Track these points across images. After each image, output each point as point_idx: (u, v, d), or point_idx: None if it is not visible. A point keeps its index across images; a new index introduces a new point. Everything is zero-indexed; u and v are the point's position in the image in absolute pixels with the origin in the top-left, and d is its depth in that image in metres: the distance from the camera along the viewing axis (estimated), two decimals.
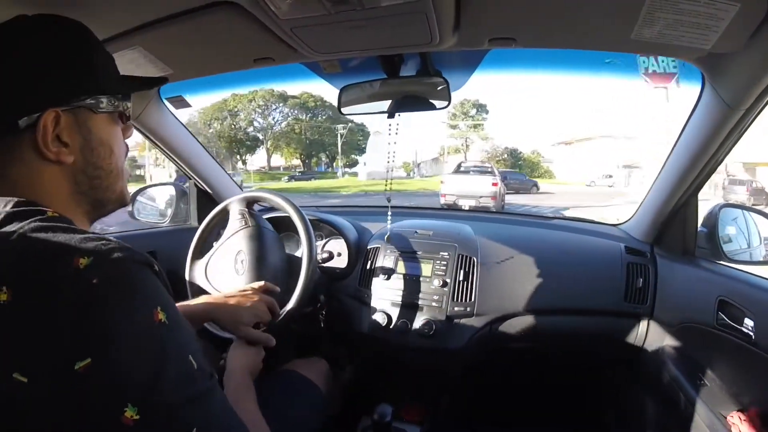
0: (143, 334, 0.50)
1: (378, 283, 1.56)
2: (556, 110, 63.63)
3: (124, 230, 1.85)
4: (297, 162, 40.67)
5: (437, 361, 1.53)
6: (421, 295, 1.49)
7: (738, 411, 1.08)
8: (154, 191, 2.00)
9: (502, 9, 0.91)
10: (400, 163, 38.26)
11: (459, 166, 17.45)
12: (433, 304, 1.47)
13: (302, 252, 1.31)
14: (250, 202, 1.43)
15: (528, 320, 1.52)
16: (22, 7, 0.70)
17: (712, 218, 1.37)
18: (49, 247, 0.51)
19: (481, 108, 38.37)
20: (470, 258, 1.52)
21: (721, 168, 1.32)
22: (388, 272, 1.55)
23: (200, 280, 1.39)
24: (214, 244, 1.43)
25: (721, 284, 1.21)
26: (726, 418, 1.09)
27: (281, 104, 37.00)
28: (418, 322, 1.45)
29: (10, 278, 0.48)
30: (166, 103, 1.60)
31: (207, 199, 1.90)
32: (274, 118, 37.62)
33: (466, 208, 12.91)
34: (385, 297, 1.53)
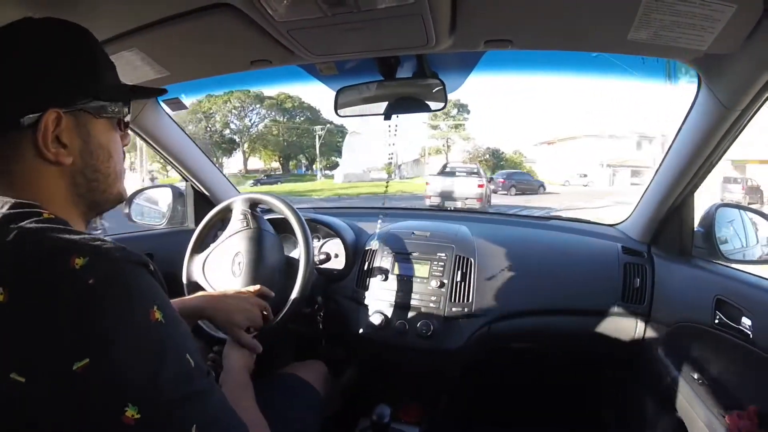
0: (141, 334, 0.50)
1: (375, 285, 1.55)
2: (538, 110, 63.71)
3: (120, 232, 1.84)
4: (276, 164, 39.62)
5: (435, 362, 1.53)
6: (418, 296, 1.49)
7: (736, 410, 1.08)
8: (151, 193, 1.99)
9: (498, 11, 0.91)
10: (381, 165, 37.90)
11: (444, 167, 17.04)
12: (431, 304, 1.47)
13: (299, 254, 1.31)
14: (253, 204, 1.43)
15: (525, 321, 1.52)
16: (22, 7, 0.70)
17: (709, 218, 1.37)
18: (46, 247, 0.51)
19: (462, 108, 37.79)
20: (467, 259, 1.53)
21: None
22: (386, 273, 1.55)
23: (197, 276, 1.38)
24: (214, 241, 1.43)
25: (718, 283, 1.21)
26: (724, 417, 1.09)
27: (258, 105, 35.71)
28: (416, 323, 1.45)
29: (7, 279, 0.48)
30: (163, 105, 1.60)
31: (204, 202, 1.90)
32: (250, 120, 36.42)
33: (450, 209, 12.90)
34: (382, 298, 1.53)
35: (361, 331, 1.54)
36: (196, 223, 1.59)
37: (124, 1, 0.91)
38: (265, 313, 1.11)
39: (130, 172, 28.28)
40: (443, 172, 16.00)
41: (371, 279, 1.57)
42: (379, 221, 1.68)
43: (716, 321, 1.16)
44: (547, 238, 1.73)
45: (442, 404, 1.75)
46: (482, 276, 1.52)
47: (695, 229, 1.41)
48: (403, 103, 1.37)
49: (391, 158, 1.78)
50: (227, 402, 0.59)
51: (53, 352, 0.46)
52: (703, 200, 1.41)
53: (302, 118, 37.04)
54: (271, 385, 1.18)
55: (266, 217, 1.61)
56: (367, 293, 1.56)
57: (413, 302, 1.49)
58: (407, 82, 1.34)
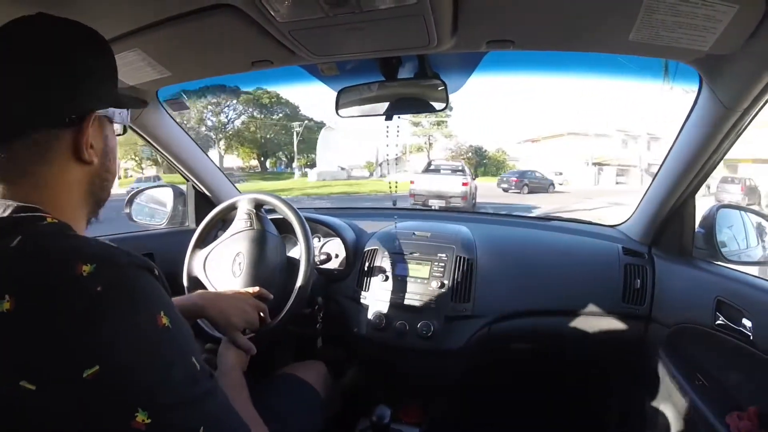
0: (149, 340, 0.51)
1: (376, 285, 1.55)
2: (522, 108, 63.25)
3: (121, 232, 1.84)
4: (255, 162, 38.45)
5: (436, 363, 1.53)
6: (419, 297, 1.49)
7: (736, 411, 1.08)
8: (151, 193, 1.99)
9: (499, 11, 0.91)
10: (363, 163, 36.88)
11: (429, 164, 16.85)
12: (432, 305, 1.47)
13: (300, 255, 1.31)
14: (259, 204, 1.43)
15: (526, 321, 1.52)
16: (22, 7, 0.70)
17: (710, 219, 1.37)
18: (51, 254, 0.51)
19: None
20: (468, 259, 1.52)
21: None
22: (386, 274, 1.55)
23: (198, 271, 1.39)
24: (215, 239, 1.43)
25: (718, 285, 1.21)
26: (724, 418, 1.09)
27: (234, 101, 34.04)
28: (416, 324, 1.45)
29: (13, 286, 0.48)
30: (164, 105, 1.60)
31: (205, 202, 1.90)
32: (227, 116, 34.78)
33: (436, 208, 12.81)
34: (383, 298, 1.52)
35: (361, 331, 1.53)
36: (197, 223, 1.59)
37: (125, 2, 0.91)
38: (262, 315, 1.12)
39: None
40: (428, 170, 15.82)
41: (372, 279, 1.57)
42: (395, 221, 1.68)
43: (717, 322, 1.16)
44: (548, 239, 1.73)
45: (443, 405, 1.75)
46: (483, 276, 1.52)
47: (696, 230, 1.41)
48: (404, 104, 1.37)
49: (389, 158, 1.78)
50: (228, 402, 0.59)
51: (63, 359, 0.46)
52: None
53: (281, 115, 35.73)
54: (271, 385, 1.18)
55: (270, 216, 1.61)
56: (367, 294, 1.56)
57: (414, 303, 1.49)
58: (409, 82, 1.34)
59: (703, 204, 1.42)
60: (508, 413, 1.92)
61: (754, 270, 1.23)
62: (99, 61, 0.64)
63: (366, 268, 1.60)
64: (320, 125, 35.59)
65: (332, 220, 1.74)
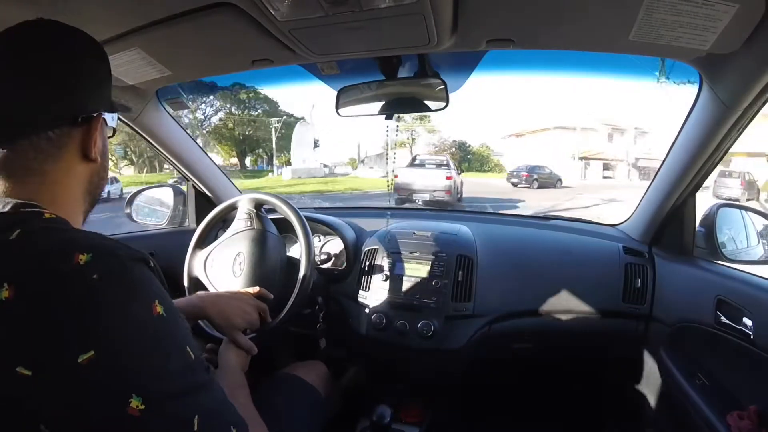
0: (143, 327, 0.52)
1: (376, 284, 1.55)
2: (507, 102, 62.84)
3: (122, 232, 1.84)
4: (236, 160, 36.45)
5: (436, 362, 1.53)
6: (419, 296, 1.49)
7: (737, 410, 1.08)
8: (152, 193, 1.99)
9: (499, 10, 0.91)
10: (347, 159, 36.33)
11: (414, 158, 16.78)
12: (432, 304, 1.47)
13: (300, 255, 1.31)
14: (259, 204, 1.43)
15: (526, 321, 1.52)
16: (22, 7, 0.70)
17: (710, 218, 1.37)
18: (50, 244, 0.52)
19: None
20: (469, 258, 1.52)
21: None
22: (387, 273, 1.55)
23: (198, 271, 1.39)
24: (215, 240, 1.43)
25: (719, 284, 1.21)
26: (725, 417, 1.09)
27: (210, 96, 31.44)
28: (417, 323, 1.44)
29: (12, 275, 0.49)
30: (165, 105, 1.60)
31: (205, 201, 1.90)
32: (203, 113, 32.87)
33: (420, 203, 12.56)
34: (383, 298, 1.52)
35: (361, 331, 1.53)
36: (197, 223, 1.59)
37: (125, 1, 0.91)
38: (262, 315, 1.12)
39: None
40: (413, 164, 15.75)
41: (372, 279, 1.57)
42: (388, 220, 1.68)
43: (717, 321, 1.16)
44: (549, 238, 1.73)
45: (443, 405, 1.75)
46: (483, 276, 1.52)
47: (696, 229, 1.41)
48: (404, 103, 1.37)
49: (388, 158, 1.78)
50: (225, 396, 0.60)
51: (59, 345, 0.47)
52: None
53: (260, 111, 34.19)
54: (272, 385, 1.18)
55: (270, 216, 1.61)
56: (367, 293, 1.56)
57: (414, 302, 1.48)
58: (409, 81, 1.34)
59: (699, 198, 1.42)
60: (508, 412, 1.92)
61: (754, 269, 1.23)
62: (103, 65, 0.67)
63: (366, 268, 1.60)
64: (300, 121, 33.72)
65: (332, 219, 1.74)
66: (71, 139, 0.63)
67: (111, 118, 0.72)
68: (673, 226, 1.47)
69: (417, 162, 15.88)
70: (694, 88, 1.15)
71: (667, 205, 1.42)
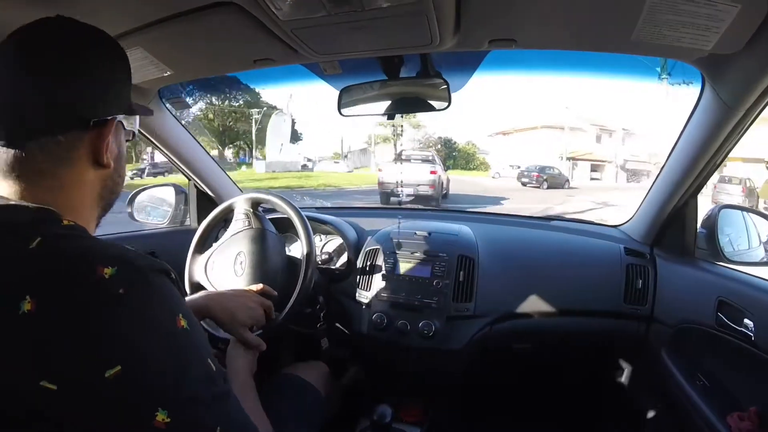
0: (169, 341, 0.53)
1: (377, 284, 1.55)
2: (494, 100, 62.22)
3: (123, 231, 1.84)
4: (216, 153, 34.09)
5: (437, 362, 1.53)
6: (420, 296, 1.49)
7: (737, 411, 1.08)
8: (153, 192, 1.99)
9: (502, 10, 0.91)
10: (331, 154, 35.51)
11: (400, 154, 17.18)
12: (433, 305, 1.47)
13: (302, 254, 1.31)
14: (255, 203, 1.43)
15: (528, 321, 1.52)
16: (23, 7, 0.70)
17: (712, 219, 1.37)
18: (72, 256, 0.52)
19: None
20: (470, 259, 1.52)
21: None
22: (388, 273, 1.55)
23: (199, 276, 1.38)
24: (216, 241, 1.43)
25: (720, 285, 1.21)
26: (725, 418, 1.09)
27: (189, 86, 28.47)
28: (418, 323, 1.44)
29: (34, 288, 0.48)
30: (166, 104, 1.60)
31: (207, 201, 1.90)
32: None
33: (404, 197, 12.64)
34: (384, 298, 1.52)
35: (362, 331, 1.53)
36: (199, 222, 1.59)
37: (128, 1, 0.91)
38: (267, 312, 1.12)
39: None
40: (398, 159, 16.09)
41: (373, 279, 1.57)
42: (399, 220, 1.68)
43: (718, 322, 1.16)
44: (550, 239, 1.73)
45: (444, 405, 1.74)
46: (484, 276, 1.52)
47: (698, 231, 1.41)
48: (406, 103, 1.37)
49: (406, 152, 1.78)
50: (240, 404, 0.60)
51: (85, 360, 0.47)
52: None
53: (241, 102, 32.21)
54: (273, 385, 1.18)
55: (269, 216, 1.61)
56: (368, 293, 1.56)
57: (415, 302, 1.48)
58: (411, 81, 1.33)
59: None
60: (508, 412, 1.92)
61: (756, 270, 1.23)
62: (119, 68, 0.67)
63: (367, 268, 1.60)
64: (276, 112, 32.40)
65: (333, 219, 1.75)
66: (82, 143, 0.61)
67: (128, 122, 0.70)
68: (675, 227, 1.47)
69: (403, 157, 16.04)
70: (689, 90, 1.15)
71: (668, 206, 1.42)
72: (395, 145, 32.82)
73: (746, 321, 1.08)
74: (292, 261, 1.42)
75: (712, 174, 1.29)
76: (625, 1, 0.83)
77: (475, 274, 1.51)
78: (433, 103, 1.34)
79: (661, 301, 1.45)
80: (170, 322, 0.53)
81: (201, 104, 31.79)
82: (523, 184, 22.29)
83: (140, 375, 0.49)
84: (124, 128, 0.69)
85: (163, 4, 0.91)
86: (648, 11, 0.83)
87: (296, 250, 1.66)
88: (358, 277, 1.60)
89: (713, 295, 1.19)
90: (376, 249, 1.61)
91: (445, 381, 1.67)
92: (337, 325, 1.65)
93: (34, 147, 0.58)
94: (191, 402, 0.51)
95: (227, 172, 1.96)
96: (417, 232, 1.64)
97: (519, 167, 28.00)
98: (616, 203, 14.20)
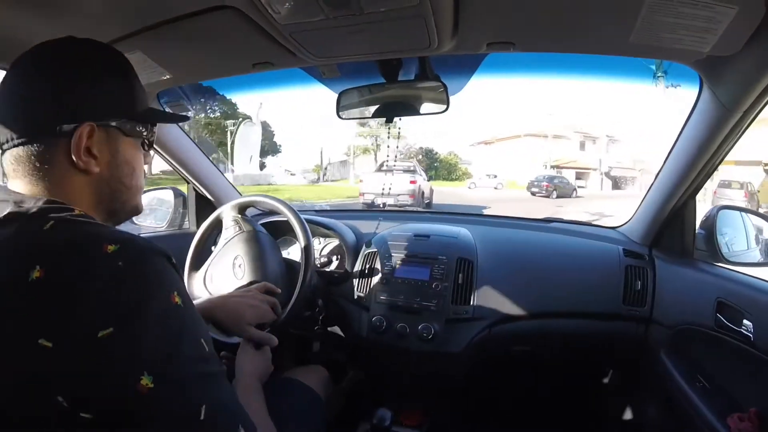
0: (162, 313, 0.55)
1: (376, 287, 1.55)
2: (477, 109, 61.71)
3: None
4: None
5: (436, 365, 1.53)
6: (419, 299, 1.49)
7: (737, 412, 1.08)
8: (152, 195, 1.99)
9: (500, 13, 0.91)
10: (312, 166, 35.23)
11: (382, 164, 17.42)
12: (432, 307, 1.47)
13: (300, 255, 1.31)
14: (242, 208, 1.44)
15: (526, 323, 1.52)
16: (24, 8, 0.70)
17: (710, 220, 1.37)
18: (81, 234, 0.57)
19: None
20: (469, 261, 1.52)
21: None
22: (387, 276, 1.55)
23: (199, 291, 1.37)
24: (212, 251, 1.43)
25: (719, 286, 1.21)
26: (725, 419, 1.09)
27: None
28: (417, 326, 1.44)
29: (44, 259, 0.52)
30: (165, 108, 1.60)
31: (206, 204, 1.90)
32: None
33: (385, 207, 12.88)
34: (383, 301, 1.52)
35: (362, 334, 1.53)
36: (197, 226, 1.59)
37: (126, 4, 0.91)
38: (273, 308, 1.12)
39: None
40: (380, 170, 16.34)
41: (372, 282, 1.57)
42: (378, 223, 1.68)
43: (717, 323, 1.16)
44: (549, 241, 1.73)
45: (443, 408, 1.74)
46: (483, 279, 1.52)
47: (697, 232, 1.41)
48: (405, 106, 1.37)
49: (388, 162, 1.79)
50: (236, 394, 0.62)
51: (81, 320, 0.50)
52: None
53: (219, 113, 31.50)
54: (272, 389, 1.17)
55: (265, 220, 1.61)
56: (367, 296, 1.55)
57: (414, 305, 1.48)
58: (409, 84, 1.33)
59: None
60: (509, 415, 1.92)
61: (755, 271, 1.23)
62: (103, 75, 0.67)
63: (366, 270, 1.59)
64: (262, 124, 31.98)
65: (333, 222, 1.74)
66: (57, 147, 0.62)
67: (135, 130, 0.70)
68: (674, 228, 1.47)
69: (385, 167, 16.23)
70: (686, 92, 1.15)
71: (667, 207, 1.42)
72: (376, 156, 32.57)
73: (745, 322, 1.08)
74: (290, 264, 1.42)
75: (710, 175, 1.29)
76: (623, 4, 0.83)
77: (474, 277, 1.51)
78: (431, 106, 1.35)
79: (660, 302, 1.45)
80: (164, 296, 0.56)
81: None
82: (533, 194, 22.44)
83: (130, 339, 0.51)
84: (126, 134, 0.69)
85: (162, 7, 0.91)
86: (646, 13, 0.83)
87: (294, 253, 1.66)
88: (357, 279, 1.60)
89: (712, 296, 1.19)
90: (375, 252, 1.61)
91: (444, 384, 1.67)
92: (332, 329, 1.64)
93: (23, 149, 0.62)
94: (178, 373, 0.54)
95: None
96: (416, 234, 1.64)
97: (495, 176, 28.35)
98: (612, 213, 14.03)
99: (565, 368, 1.84)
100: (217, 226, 1.47)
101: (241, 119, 30.23)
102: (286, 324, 1.24)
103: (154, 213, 1.95)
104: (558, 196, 21.90)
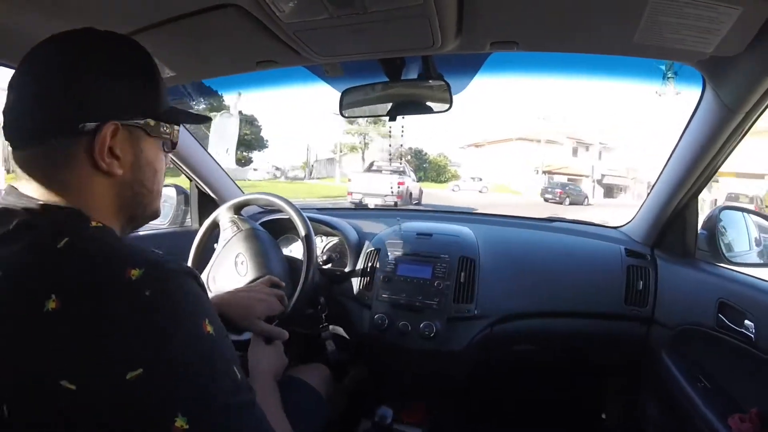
0: (193, 346, 0.51)
1: (378, 286, 1.55)
2: (468, 111, 60.03)
3: None
4: None
5: (438, 364, 1.53)
6: (422, 297, 1.49)
7: (738, 412, 1.08)
8: None
9: (504, 12, 0.91)
10: (300, 163, 34.88)
11: (371, 164, 17.57)
12: (434, 306, 1.47)
13: (302, 252, 1.31)
14: (237, 208, 1.45)
15: (528, 322, 1.52)
16: (26, 7, 0.70)
17: (713, 221, 1.37)
18: (99, 256, 0.52)
19: None
20: (471, 260, 1.52)
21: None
22: (389, 274, 1.55)
23: None
24: (214, 248, 1.43)
25: (721, 286, 1.22)
26: (726, 420, 1.09)
27: None
28: (419, 324, 1.44)
29: (59, 287, 0.48)
30: None
31: (208, 202, 1.90)
32: None
33: (372, 206, 12.94)
34: (385, 299, 1.52)
35: (364, 332, 1.53)
36: (200, 223, 1.60)
37: (130, 2, 0.91)
38: (281, 301, 1.12)
39: None
40: (369, 170, 16.50)
41: (374, 280, 1.57)
42: (399, 222, 1.68)
43: (719, 324, 1.16)
44: (551, 240, 1.73)
45: (445, 406, 1.75)
46: (485, 277, 1.52)
47: (699, 232, 1.41)
48: (408, 104, 1.37)
49: (393, 162, 1.79)
50: (265, 415, 0.59)
51: (106, 361, 0.47)
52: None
53: (203, 105, 30.53)
54: None
55: (264, 219, 1.62)
56: (370, 294, 1.56)
57: (416, 303, 1.48)
58: (412, 83, 1.34)
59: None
60: (510, 414, 1.92)
61: (756, 271, 1.23)
62: (128, 70, 0.63)
63: (368, 269, 1.60)
64: (250, 119, 31.21)
65: (335, 220, 1.75)
66: (77, 147, 0.58)
67: (159, 130, 0.66)
68: (676, 228, 1.47)
69: (374, 168, 16.55)
70: (687, 94, 1.15)
71: (669, 207, 1.42)
72: (363, 155, 32.08)
73: (747, 322, 1.08)
74: (292, 260, 1.42)
75: (713, 176, 1.29)
76: (627, 4, 0.83)
77: (476, 276, 1.51)
78: (434, 104, 1.35)
79: (661, 302, 1.45)
80: (195, 327, 0.52)
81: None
82: (546, 200, 22.54)
83: (162, 379, 0.48)
84: (149, 135, 0.65)
85: (166, 5, 0.91)
86: (650, 14, 0.83)
87: (295, 251, 1.66)
88: (359, 278, 1.61)
89: (714, 296, 1.19)
90: (377, 250, 1.62)
91: (446, 382, 1.67)
92: (335, 327, 1.65)
93: (37, 150, 0.58)
94: (213, 410, 0.50)
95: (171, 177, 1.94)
96: (418, 233, 1.64)
97: (480, 179, 28.24)
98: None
99: (567, 367, 1.84)
100: (215, 229, 1.47)
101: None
102: (292, 323, 1.24)
103: None
104: (570, 203, 22.00)
